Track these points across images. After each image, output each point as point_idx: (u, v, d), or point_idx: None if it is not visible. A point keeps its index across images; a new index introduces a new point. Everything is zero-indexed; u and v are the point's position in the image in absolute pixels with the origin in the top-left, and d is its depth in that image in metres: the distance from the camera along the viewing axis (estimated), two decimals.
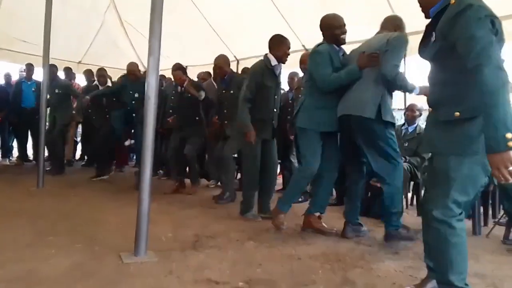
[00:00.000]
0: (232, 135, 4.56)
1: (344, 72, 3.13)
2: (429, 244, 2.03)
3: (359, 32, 5.41)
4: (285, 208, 3.38)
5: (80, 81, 7.83)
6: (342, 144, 3.44)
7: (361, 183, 3.46)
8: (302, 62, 4.70)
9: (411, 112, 4.47)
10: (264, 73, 3.77)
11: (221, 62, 4.72)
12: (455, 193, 1.87)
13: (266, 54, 3.85)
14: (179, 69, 5.10)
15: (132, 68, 5.41)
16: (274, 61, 3.80)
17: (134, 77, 5.34)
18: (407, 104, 5.08)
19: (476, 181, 1.90)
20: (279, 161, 5.49)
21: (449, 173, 1.89)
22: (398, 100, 6.76)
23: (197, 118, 5.08)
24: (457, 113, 1.86)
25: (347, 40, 5.47)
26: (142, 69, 8.36)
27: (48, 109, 6.32)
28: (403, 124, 4.66)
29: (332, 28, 3.26)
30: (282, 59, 3.84)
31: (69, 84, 6.58)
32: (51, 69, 6.07)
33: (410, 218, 4.28)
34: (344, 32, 3.29)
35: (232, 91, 4.59)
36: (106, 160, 6.09)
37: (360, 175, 3.43)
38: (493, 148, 1.63)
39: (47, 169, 5.88)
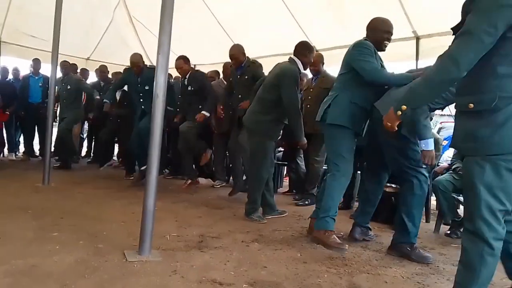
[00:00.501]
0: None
1: (399, 74, 3.03)
2: (462, 253, 1.88)
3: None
4: (329, 226, 2.99)
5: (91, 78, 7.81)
6: (367, 144, 3.31)
7: (379, 188, 3.35)
8: (313, 63, 4.68)
9: None
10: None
11: (237, 52, 4.67)
12: (486, 203, 1.72)
13: (292, 58, 3.80)
14: (180, 58, 4.97)
15: (136, 59, 5.14)
16: (301, 67, 3.80)
17: (138, 69, 5.11)
18: None
19: (507, 188, 1.72)
20: (285, 162, 5.48)
21: (473, 179, 1.75)
22: None
23: (200, 106, 4.93)
24: (471, 105, 1.73)
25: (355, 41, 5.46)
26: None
27: (58, 108, 6.35)
28: None
29: (380, 31, 3.11)
30: (305, 66, 3.86)
31: (80, 79, 6.57)
32: (64, 65, 6.11)
33: None
34: (389, 40, 3.15)
35: (246, 77, 4.63)
36: (103, 152, 6.30)
37: (379, 180, 3.32)
38: (394, 107, 1.99)
39: (55, 165, 5.93)
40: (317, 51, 5.64)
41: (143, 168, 4.91)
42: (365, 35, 3.17)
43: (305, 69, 3.90)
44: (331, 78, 4.79)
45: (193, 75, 5.03)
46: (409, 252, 2.96)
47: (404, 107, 1.91)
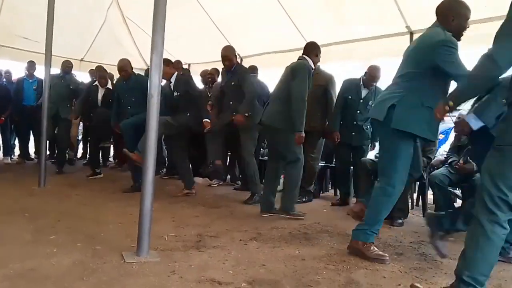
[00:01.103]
0: (244, 133, 4.52)
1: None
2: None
3: (364, 31, 5.40)
4: (370, 239, 2.82)
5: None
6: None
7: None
8: None
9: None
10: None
11: (231, 54, 4.59)
12: (486, 188, 1.86)
13: (303, 56, 3.92)
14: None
15: (122, 64, 4.94)
16: (312, 65, 3.90)
17: (126, 74, 4.93)
18: None
19: (506, 177, 1.82)
20: None
21: (483, 166, 1.93)
22: None
23: (188, 114, 4.69)
24: (504, 100, 1.90)
25: (353, 38, 5.47)
26: (144, 66, 8.37)
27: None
28: None
29: (461, 17, 2.64)
30: (315, 65, 3.98)
31: (80, 83, 6.56)
32: (66, 64, 6.18)
33: (415, 218, 4.27)
34: (467, 27, 2.71)
35: (233, 83, 4.54)
36: (97, 159, 6.15)
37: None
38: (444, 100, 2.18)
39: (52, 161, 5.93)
40: None
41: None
42: (436, 21, 2.70)
43: (314, 67, 3.99)
44: (324, 75, 4.79)
45: (178, 80, 4.82)
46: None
47: (451, 103, 2.10)
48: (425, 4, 4.61)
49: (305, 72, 3.78)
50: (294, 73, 3.82)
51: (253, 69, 5.73)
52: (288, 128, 3.81)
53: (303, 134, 3.86)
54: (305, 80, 3.76)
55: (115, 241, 2.86)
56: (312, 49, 3.96)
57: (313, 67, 3.94)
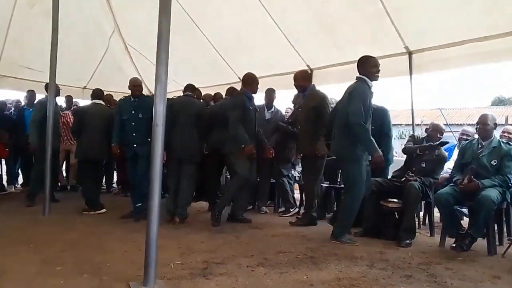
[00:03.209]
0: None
1: None
2: None
3: (360, 52, 5.47)
4: None
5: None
6: None
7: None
8: (296, 79, 4.70)
9: (434, 132, 4.35)
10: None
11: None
12: None
13: (359, 76, 3.88)
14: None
15: (139, 81, 5.11)
16: (370, 82, 3.87)
17: (140, 91, 5.03)
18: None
19: None
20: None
21: None
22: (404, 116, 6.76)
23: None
24: None
25: (348, 60, 5.56)
26: (147, 92, 8.44)
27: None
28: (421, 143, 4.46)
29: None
30: (372, 78, 3.89)
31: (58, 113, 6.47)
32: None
33: (423, 238, 4.22)
34: None
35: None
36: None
37: None
38: None
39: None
40: (311, 70, 5.74)
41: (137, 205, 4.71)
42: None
43: (372, 80, 3.87)
44: (318, 95, 4.66)
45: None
46: None
47: None
48: (422, 24, 4.70)
49: (358, 93, 3.76)
50: (349, 97, 3.82)
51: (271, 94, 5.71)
52: (348, 155, 3.84)
53: (380, 154, 3.76)
54: (356, 101, 3.71)
55: (121, 270, 2.83)
56: (363, 65, 3.91)
57: (370, 85, 3.86)
